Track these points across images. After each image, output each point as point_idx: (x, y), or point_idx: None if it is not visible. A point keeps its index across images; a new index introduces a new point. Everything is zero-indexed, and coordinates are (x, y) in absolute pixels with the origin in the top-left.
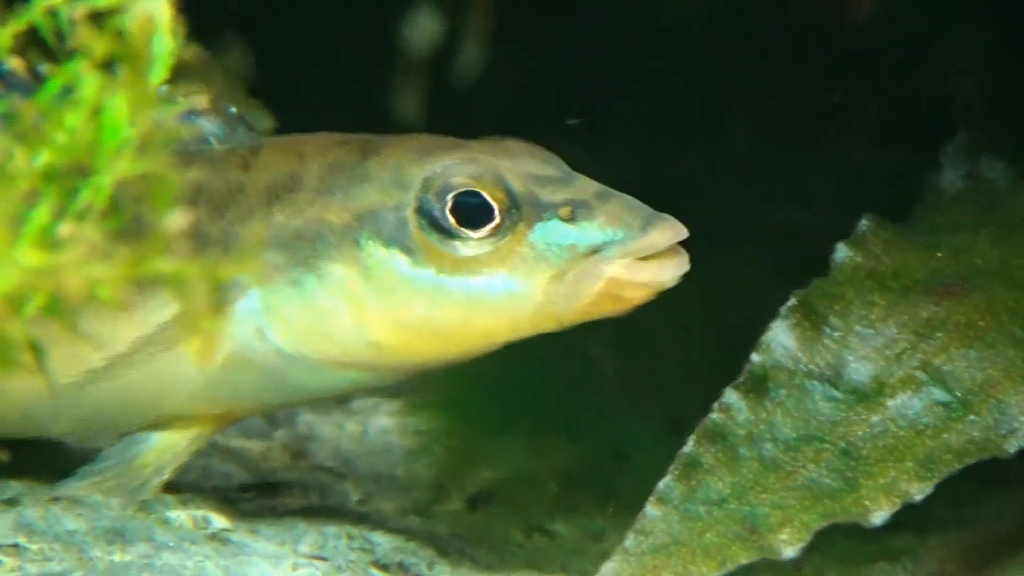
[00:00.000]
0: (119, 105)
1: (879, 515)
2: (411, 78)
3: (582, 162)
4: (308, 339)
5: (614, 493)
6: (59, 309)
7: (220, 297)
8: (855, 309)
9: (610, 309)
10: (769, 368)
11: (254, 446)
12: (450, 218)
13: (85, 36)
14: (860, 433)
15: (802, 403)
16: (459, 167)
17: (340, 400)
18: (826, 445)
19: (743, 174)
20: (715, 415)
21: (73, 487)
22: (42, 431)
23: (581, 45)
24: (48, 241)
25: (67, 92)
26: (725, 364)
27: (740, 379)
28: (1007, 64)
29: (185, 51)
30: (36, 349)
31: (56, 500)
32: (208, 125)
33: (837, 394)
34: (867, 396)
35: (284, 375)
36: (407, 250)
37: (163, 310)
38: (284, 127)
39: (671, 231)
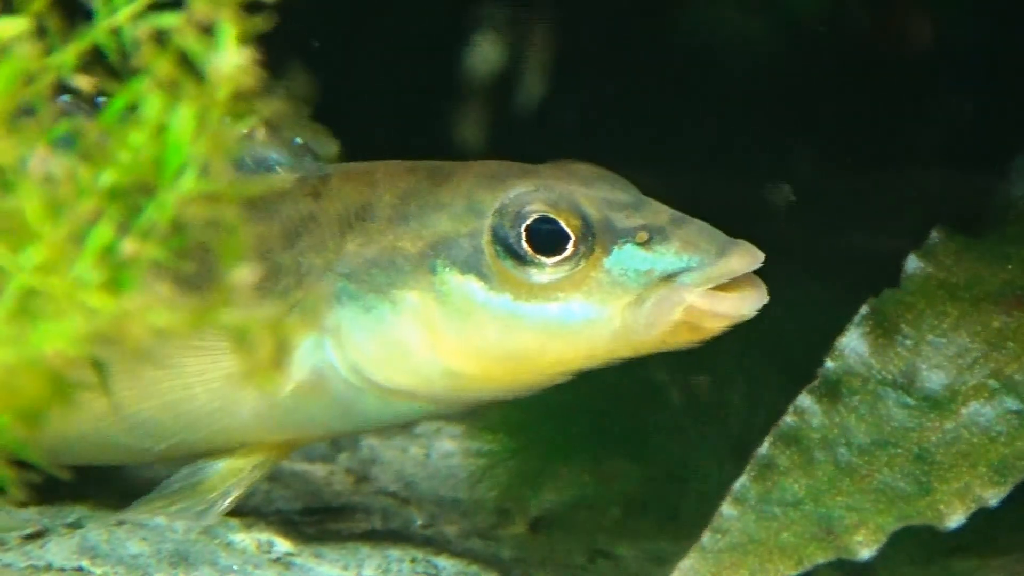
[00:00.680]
0: (183, 124)
1: (954, 519)
2: (474, 104)
3: (645, 189)
4: (381, 367)
5: (677, 517)
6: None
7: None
8: (927, 318)
9: (687, 338)
10: (843, 374)
11: (317, 470)
12: (525, 244)
13: (149, 55)
14: (933, 439)
15: (875, 409)
16: (533, 193)
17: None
18: (900, 450)
19: (806, 197)
20: (789, 418)
21: (139, 511)
22: (108, 457)
23: (643, 72)
24: (111, 269)
25: (129, 112)
26: (789, 389)
27: (814, 384)
28: None
29: (248, 72)
30: (101, 371)
31: (120, 523)
32: (274, 155)
33: (910, 401)
34: (940, 403)
35: (354, 403)
36: (482, 277)
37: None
38: (348, 153)
39: (748, 256)
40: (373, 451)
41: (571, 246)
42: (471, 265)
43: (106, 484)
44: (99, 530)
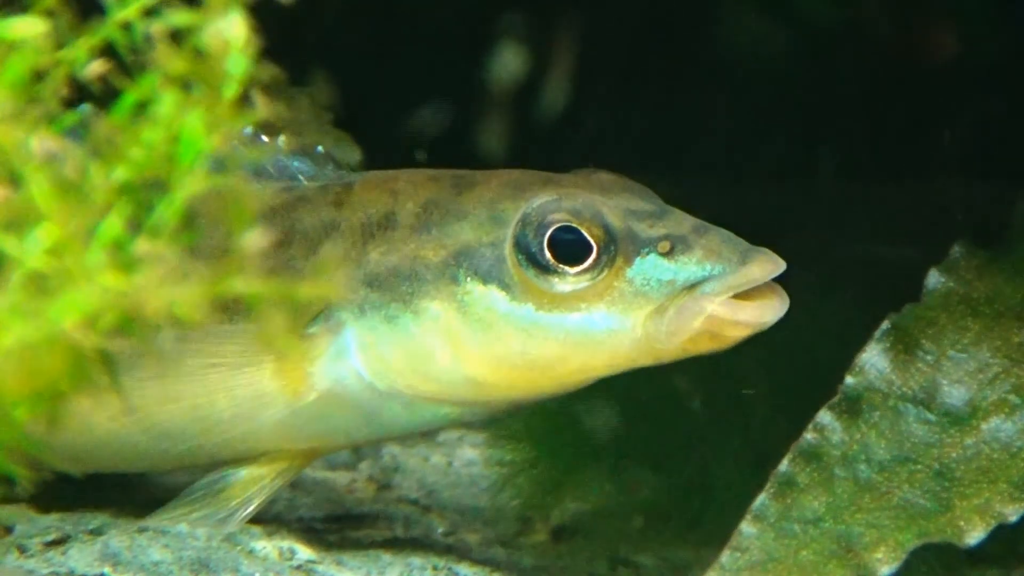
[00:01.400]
0: (195, 121)
1: (973, 535)
2: (496, 112)
3: (667, 197)
4: (404, 376)
5: (699, 526)
6: (134, 328)
7: (313, 338)
8: (948, 333)
9: (708, 347)
10: (863, 390)
11: (339, 477)
12: (548, 254)
13: (163, 53)
14: (954, 455)
15: (896, 425)
16: (556, 202)
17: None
18: (920, 466)
19: (828, 208)
20: (809, 435)
21: (161, 518)
22: (130, 465)
23: (666, 82)
24: (122, 257)
25: (139, 109)
26: (812, 400)
27: (834, 400)
28: None
29: (263, 71)
30: (109, 365)
31: (142, 530)
32: (296, 163)
33: (931, 417)
34: (961, 419)
35: (377, 412)
36: (505, 286)
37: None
38: (370, 160)
39: (770, 264)
40: (395, 459)
41: (593, 256)
42: (493, 275)
43: (127, 492)
44: (121, 537)
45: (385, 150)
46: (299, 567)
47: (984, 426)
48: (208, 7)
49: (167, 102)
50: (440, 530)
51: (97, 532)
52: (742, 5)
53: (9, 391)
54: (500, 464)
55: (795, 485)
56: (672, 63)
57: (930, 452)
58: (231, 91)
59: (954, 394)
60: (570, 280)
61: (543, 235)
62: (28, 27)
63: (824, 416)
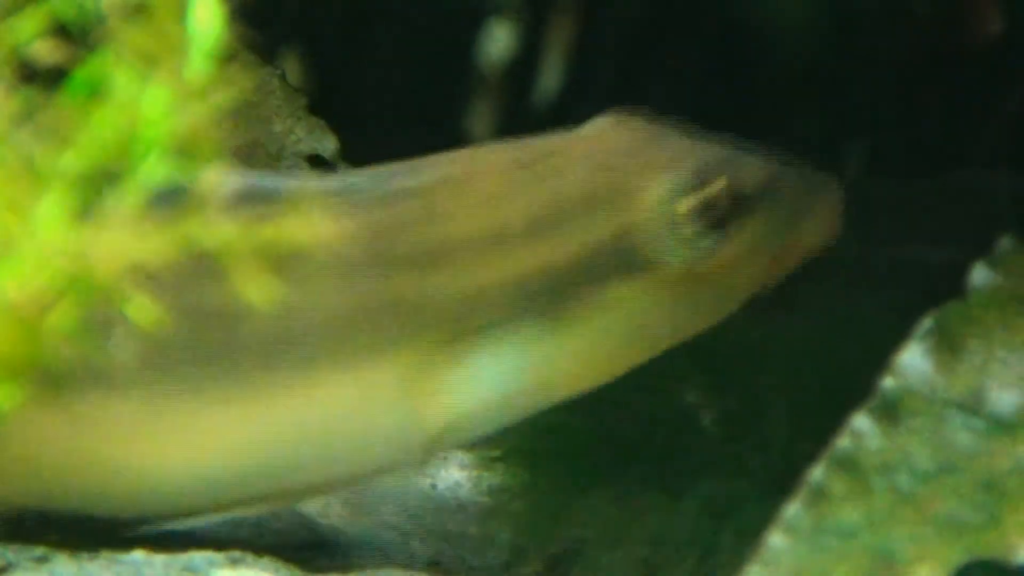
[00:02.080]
0: (155, 102)
1: None
2: (487, 95)
3: None
4: (545, 385)
5: (711, 556)
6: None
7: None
8: (996, 333)
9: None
10: (903, 394)
11: (311, 501)
12: (682, 231)
13: (116, 27)
14: (1003, 465)
15: (939, 432)
16: (686, 180)
17: None
18: (966, 477)
19: (860, 208)
20: (845, 441)
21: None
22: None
23: (689, 71)
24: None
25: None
26: (838, 416)
27: (871, 404)
28: None
29: (229, 51)
30: (86, 336)
31: (92, 558)
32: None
33: (978, 423)
34: (1010, 426)
35: (493, 422)
36: (641, 274)
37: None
38: (347, 147)
39: None
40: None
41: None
42: (626, 266)
43: (71, 525)
44: (69, 563)
45: (368, 137)
46: None
47: None
48: None
49: (122, 80)
50: (423, 559)
51: (43, 559)
52: None
53: None
54: (490, 488)
55: (829, 495)
56: (685, 39)
57: (977, 462)
58: (198, 68)
59: (1003, 399)
60: (702, 250)
61: (677, 214)
62: None
63: (861, 421)
